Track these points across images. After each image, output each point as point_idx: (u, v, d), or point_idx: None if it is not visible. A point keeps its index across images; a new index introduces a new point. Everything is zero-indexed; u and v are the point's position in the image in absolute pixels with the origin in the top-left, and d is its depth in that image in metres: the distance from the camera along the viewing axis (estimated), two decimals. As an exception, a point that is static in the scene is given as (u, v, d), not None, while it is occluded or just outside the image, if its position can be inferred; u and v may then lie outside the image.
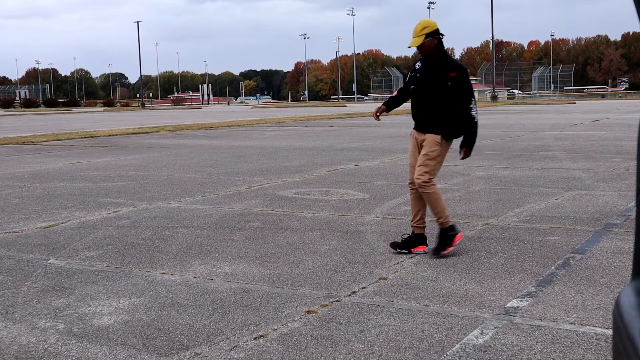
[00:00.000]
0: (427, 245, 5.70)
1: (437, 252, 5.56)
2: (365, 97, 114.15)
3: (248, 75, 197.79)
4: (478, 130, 5.65)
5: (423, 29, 5.47)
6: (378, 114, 5.92)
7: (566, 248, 5.73)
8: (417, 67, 5.71)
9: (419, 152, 5.67)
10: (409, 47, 5.51)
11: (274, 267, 5.31)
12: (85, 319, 4.18)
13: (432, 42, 5.47)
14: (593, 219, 6.92)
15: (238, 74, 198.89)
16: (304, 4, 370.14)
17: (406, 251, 5.63)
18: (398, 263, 5.37)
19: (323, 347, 3.64)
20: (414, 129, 5.76)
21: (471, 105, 5.54)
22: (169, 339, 3.80)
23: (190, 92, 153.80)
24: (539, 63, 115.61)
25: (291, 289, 4.73)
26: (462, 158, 5.67)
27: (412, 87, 5.67)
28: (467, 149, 5.60)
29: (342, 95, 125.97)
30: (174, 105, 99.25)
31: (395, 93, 5.97)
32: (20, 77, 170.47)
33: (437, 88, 5.50)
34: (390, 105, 5.94)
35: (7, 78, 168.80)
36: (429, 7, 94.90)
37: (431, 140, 5.58)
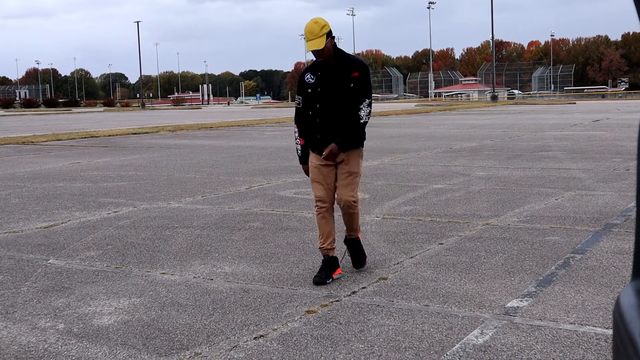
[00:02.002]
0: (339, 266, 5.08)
1: (363, 263, 5.16)
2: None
3: (248, 75, 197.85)
4: (364, 134, 4.99)
5: (323, 28, 4.72)
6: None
7: (566, 248, 5.73)
8: (310, 79, 4.92)
9: (330, 171, 4.97)
10: (309, 51, 4.75)
11: (274, 267, 5.32)
12: (85, 319, 4.18)
13: (331, 43, 4.79)
14: (593, 219, 6.92)
15: (238, 74, 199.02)
16: (305, 3, 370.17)
17: (330, 280, 4.89)
18: (398, 263, 5.37)
19: (323, 347, 3.64)
20: (313, 151, 4.98)
21: (361, 106, 4.83)
22: (169, 339, 3.80)
23: (190, 92, 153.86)
24: (539, 63, 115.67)
25: (291, 289, 4.73)
26: (325, 156, 4.84)
27: (317, 105, 4.86)
28: (336, 145, 4.81)
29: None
30: (174, 106, 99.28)
31: (295, 129, 5.05)
32: (20, 77, 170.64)
33: (344, 95, 4.81)
34: (305, 145, 5.04)
35: (7, 78, 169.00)
36: (429, 7, 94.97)
37: (355, 155, 4.94)
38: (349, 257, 5.25)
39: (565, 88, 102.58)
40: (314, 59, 4.91)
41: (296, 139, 5.07)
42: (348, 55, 4.92)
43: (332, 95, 4.83)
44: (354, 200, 4.94)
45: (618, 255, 5.43)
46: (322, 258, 5.04)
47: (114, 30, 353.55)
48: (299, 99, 5.01)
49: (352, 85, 4.80)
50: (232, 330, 3.91)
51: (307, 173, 5.11)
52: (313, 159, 5.02)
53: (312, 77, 4.92)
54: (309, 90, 4.91)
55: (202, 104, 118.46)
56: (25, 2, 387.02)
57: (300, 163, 5.14)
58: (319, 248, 5.06)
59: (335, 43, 4.87)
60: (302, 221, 7.14)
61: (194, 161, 13.91)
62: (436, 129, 23.48)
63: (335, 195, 5.02)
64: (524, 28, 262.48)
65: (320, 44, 4.71)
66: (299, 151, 5.08)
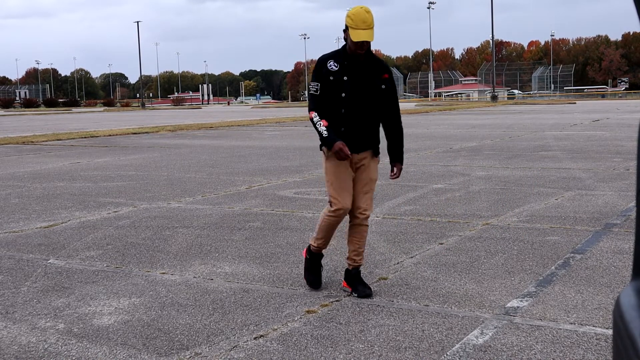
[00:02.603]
0: None
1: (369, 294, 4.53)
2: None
3: (248, 75, 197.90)
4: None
5: (373, 20, 4.39)
6: (347, 154, 4.43)
7: (566, 248, 5.73)
8: (334, 66, 4.50)
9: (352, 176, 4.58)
10: (359, 40, 4.33)
11: (274, 267, 5.32)
12: (85, 319, 4.18)
13: None
14: (593, 219, 6.92)
15: (238, 74, 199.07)
16: (305, 3, 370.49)
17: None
18: (398, 263, 5.37)
19: (323, 347, 3.64)
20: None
21: (399, 114, 4.69)
22: (169, 339, 3.80)
23: (190, 92, 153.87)
24: (539, 63, 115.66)
25: (291, 289, 4.73)
26: (396, 177, 4.67)
27: (342, 94, 4.46)
28: (400, 164, 4.66)
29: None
30: (174, 105, 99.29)
31: (313, 115, 4.53)
32: (20, 77, 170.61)
33: (374, 93, 4.52)
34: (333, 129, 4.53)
35: (7, 78, 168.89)
36: (429, 7, 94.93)
37: (375, 161, 4.64)
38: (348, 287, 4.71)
39: (565, 88, 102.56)
40: (328, 53, 4.61)
41: (317, 123, 4.47)
42: (374, 54, 4.60)
43: (360, 88, 4.48)
44: (371, 211, 4.68)
45: (618, 255, 5.43)
46: (314, 255, 4.75)
47: (114, 30, 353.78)
48: (317, 85, 4.53)
49: (383, 86, 4.53)
50: (232, 330, 3.91)
51: (341, 152, 4.37)
52: (335, 160, 4.50)
53: (336, 64, 4.50)
54: (331, 78, 4.47)
55: (202, 103, 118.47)
56: (25, 2, 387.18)
57: (328, 145, 4.44)
58: (316, 246, 4.73)
59: None
60: (302, 221, 7.14)
61: (194, 161, 13.91)
62: (436, 129, 23.49)
63: (355, 204, 4.58)
64: (524, 28, 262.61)
65: (372, 35, 4.35)
66: (325, 132, 4.43)
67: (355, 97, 4.46)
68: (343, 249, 5.82)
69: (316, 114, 4.52)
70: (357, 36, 4.33)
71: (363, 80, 4.49)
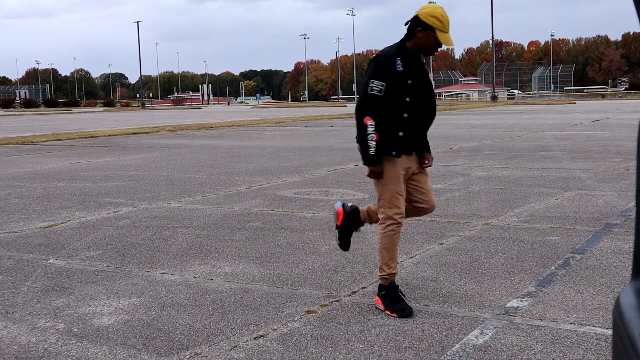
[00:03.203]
0: None
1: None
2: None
3: (248, 75, 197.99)
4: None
5: None
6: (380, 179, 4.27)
7: (566, 248, 5.73)
8: (400, 67, 4.12)
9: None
10: (448, 45, 4.15)
11: (274, 267, 5.32)
12: (85, 319, 4.18)
13: None
14: (593, 219, 6.92)
15: (238, 74, 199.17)
16: (305, 3, 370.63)
17: None
18: (398, 263, 5.36)
19: (323, 347, 3.64)
20: (402, 154, 4.25)
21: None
22: (169, 339, 3.81)
23: (190, 92, 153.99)
24: (539, 63, 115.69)
25: (291, 289, 4.73)
26: (429, 165, 4.55)
27: (407, 99, 4.15)
28: (430, 153, 4.57)
29: (342, 95, 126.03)
30: (174, 106, 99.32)
31: (369, 122, 4.09)
32: (20, 77, 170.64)
33: (431, 93, 4.37)
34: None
35: (7, 78, 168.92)
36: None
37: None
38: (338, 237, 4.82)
39: (565, 88, 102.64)
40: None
41: (370, 134, 4.06)
42: None
43: (421, 90, 4.22)
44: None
45: (618, 255, 5.43)
46: (391, 288, 4.21)
47: (114, 30, 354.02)
48: (382, 85, 4.07)
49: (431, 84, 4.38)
50: (232, 330, 3.91)
51: (378, 175, 4.18)
52: (395, 165, 4.21)
53: (402, 65, 4.11)
54: (397, 79, 4.09)
55: (202, 104, 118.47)
56: (25, 2, 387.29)
57: (372, 164, 4.13)
58: (388, 274, 4.23)
59: None
60: (302, 221, 7.14)
61: (194, 161, 13.91)
62: (436, 129, 23.48)
63: (426, 201, 4.44)
64: (524, 28, 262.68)
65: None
66: (372, 149, 4.07)
67: (417, 101, 4.21)
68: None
69: (373, 123, 4.08)
70: (446, 40, 4.07)
71: (422, 81, 4.25)
